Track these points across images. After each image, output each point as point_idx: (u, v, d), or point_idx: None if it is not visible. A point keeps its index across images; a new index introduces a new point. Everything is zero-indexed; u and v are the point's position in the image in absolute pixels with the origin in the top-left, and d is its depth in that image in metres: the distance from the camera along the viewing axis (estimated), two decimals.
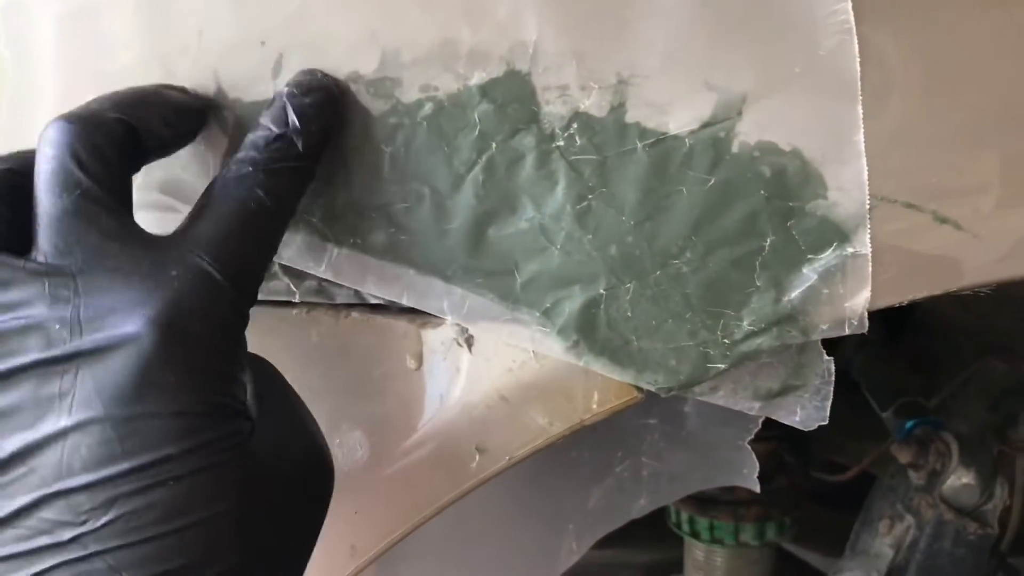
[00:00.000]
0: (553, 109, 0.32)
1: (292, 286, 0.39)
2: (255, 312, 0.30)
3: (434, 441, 0.36)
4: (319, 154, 0.32)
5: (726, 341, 0.33)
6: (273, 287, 0.39)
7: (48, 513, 0.27)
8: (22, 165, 0.30)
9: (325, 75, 0.33)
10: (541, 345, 0.34)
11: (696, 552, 0.73)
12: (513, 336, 0.35)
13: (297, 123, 0.31)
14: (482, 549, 0.51)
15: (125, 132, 0.30)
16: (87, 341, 0.27)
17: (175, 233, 0.30)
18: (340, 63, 0.33)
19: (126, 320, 0.27)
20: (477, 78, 0.32)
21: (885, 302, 0.32)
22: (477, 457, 0.36)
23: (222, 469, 0.28)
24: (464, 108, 0.33)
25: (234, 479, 0.28)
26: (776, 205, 0.31)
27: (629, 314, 0.33)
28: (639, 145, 0.31)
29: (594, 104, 0.32)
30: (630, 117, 0.31)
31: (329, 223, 0.36)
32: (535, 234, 0.33)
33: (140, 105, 0.31)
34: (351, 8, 0.33)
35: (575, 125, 0.32)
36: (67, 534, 0.26)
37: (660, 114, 0.31)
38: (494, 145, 0.33)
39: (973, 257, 0.32)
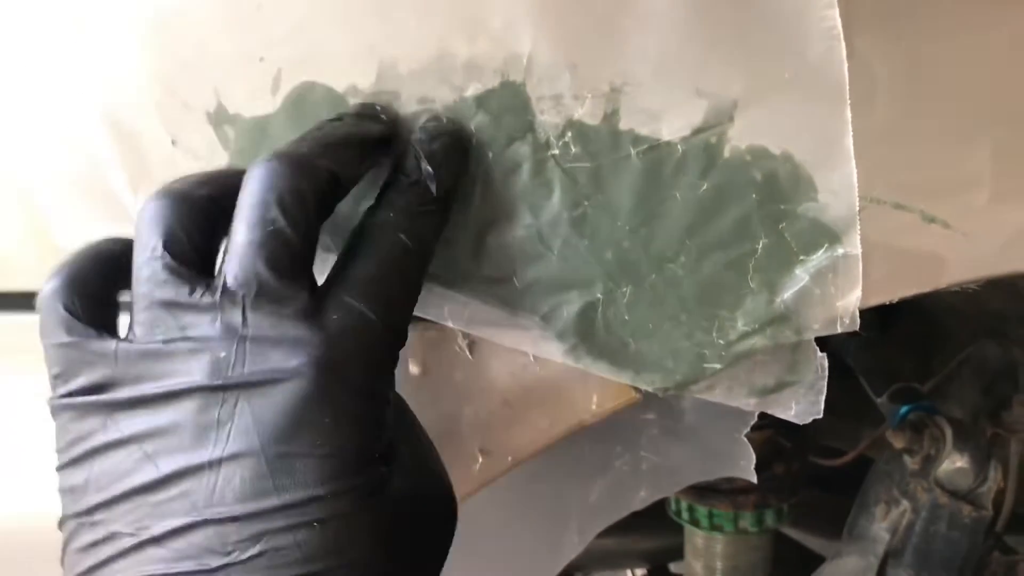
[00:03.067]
0: (548, 118, 0.32)
1: None
2: None
3: (438, 445, 0.37)
4: (453, 196, 0.33)
5: (721, 342, 0.33)
6: None
7: (196, 539, 0.27)
8: (222, 193, 0.30)
9: (450, 120, 0.33)
10: (541, 349, 0.35)
11: (696, 539, 0.74)
12: (514, 341, 0.35)
13: (430, 169, 0.32)
14: (486, 544, 0.51)
15: (329, 183, 0.30)
16: (249, 373, 0.27)
17: (331, 276, 0.30)
18: (338, 77, 0.34)
19: (289, 357, 0.28)
20: (473, 89, 0.33)
21: (876, 300, 0.32)
22: (480, 459, 0.36)
23: (366, 513, 0.28)
24: (461, 119, 0.33)
25: (376, 524, 0.29)
26: (768, 208, 0.31)
27: (626, 317, 0.34)
28: (633, 152, 0.32)
29: (588, 112, 0.32)
30: (623, 124, 0.32)
31: (331, 234, 0.37)
32: (533, 241, 0.34)
33: (345, 148, 0.31)
34: (349, 22, 0.33)
35: (569, 133, 0.32)
36: (213, 562, 0.27)
37: (653, 121, 0.32)
38: (491, 155, 0.33)
39: (960, 254, 0.32)
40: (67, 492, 0.29)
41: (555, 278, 0.34)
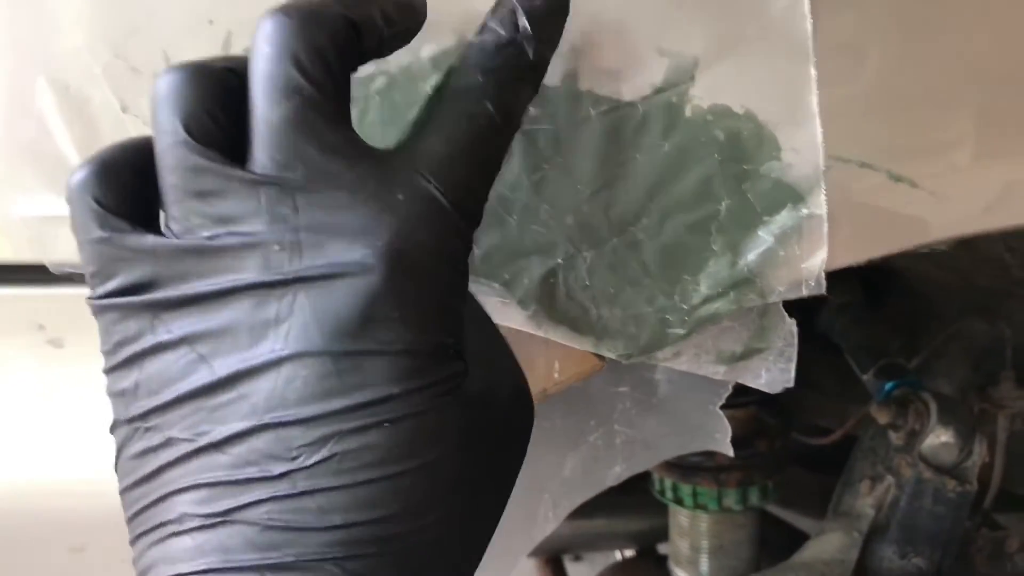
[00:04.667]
0: None
1: None
2: None
3: None
4: (547, 66, 0.30)
5: (684, 306, 0.33)
6: None
7: (259, 444, 0.25)
8: (240, 65, 0.27)
9: None
10: (502, 316, 0.35)
11: (681, 518, 0.74)
12: None
13: (528, 27, 0.28)
14: None
15: (347, 30, 0.26)
16: (308, 266, 0.25)
17: (398, 148, 0.27)
18: None
19: (351, 247, 0.25)
20: (428, 50, 0.32)
21: (842, 262, 0.32)
22: None
23: (442, 413, 0.26)
24: (416, 80, 0.33)
25: (453, 424, 0.26)
26: (730, 168, 0.31)
27: (587, 283, 0.33)
28: (593, 113, 0.32)
29: (547, 73, 0.31)
30: (583, 85, 0.31)
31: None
32: (493, 206, 0.33)
33: None
34: None
35: None
36: (277, 468, 0.25)
37: (613, 81, 0.31)
38: None
39: (929, 215, 0.32)
40: (117, 396, 0.27)
41: (515, 243, 0.34)
